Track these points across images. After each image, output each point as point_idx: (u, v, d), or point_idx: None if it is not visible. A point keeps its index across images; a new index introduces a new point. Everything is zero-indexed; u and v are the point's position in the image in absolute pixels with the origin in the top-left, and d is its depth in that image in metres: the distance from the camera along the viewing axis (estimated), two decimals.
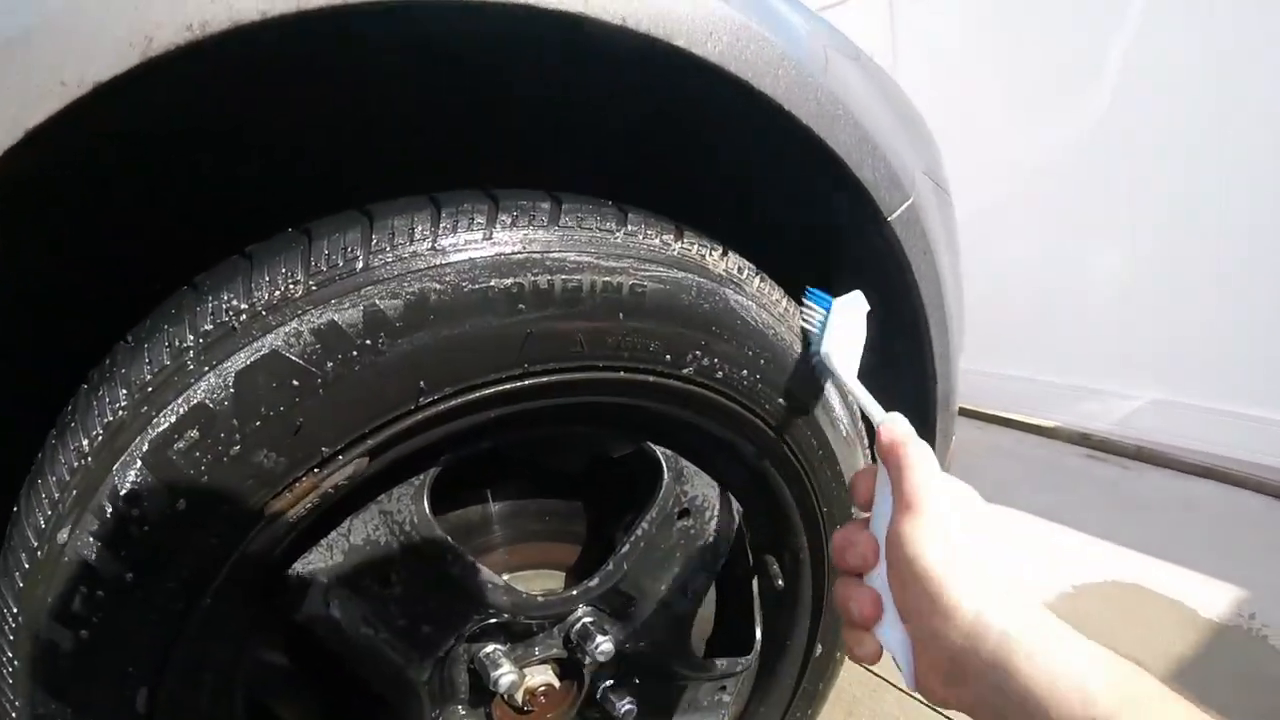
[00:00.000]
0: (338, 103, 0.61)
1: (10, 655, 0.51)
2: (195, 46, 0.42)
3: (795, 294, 0.75)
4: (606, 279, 0.55)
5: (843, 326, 0.69)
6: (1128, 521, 2.05)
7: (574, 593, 0.69)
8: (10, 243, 0.54)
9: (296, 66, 0.53)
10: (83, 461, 0.49)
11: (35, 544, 0.49)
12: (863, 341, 0.70)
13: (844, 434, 0.79)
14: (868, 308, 0.71)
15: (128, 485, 0.48)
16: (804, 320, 0.72)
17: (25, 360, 0.62)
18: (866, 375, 0.88)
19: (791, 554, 0.85)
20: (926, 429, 0.95)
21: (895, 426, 0.55)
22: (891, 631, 0.51)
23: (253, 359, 0.48)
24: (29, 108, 0.40)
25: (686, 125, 0.70)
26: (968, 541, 0.48)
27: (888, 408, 0.87)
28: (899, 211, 0.76)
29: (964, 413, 2.84)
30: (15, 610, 0.50)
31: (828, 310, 0.70)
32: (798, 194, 0.76)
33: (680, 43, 0.54)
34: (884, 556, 0.52)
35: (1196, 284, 2.21)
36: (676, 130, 0.71)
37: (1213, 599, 1.70)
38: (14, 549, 0.51)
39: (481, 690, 0.70)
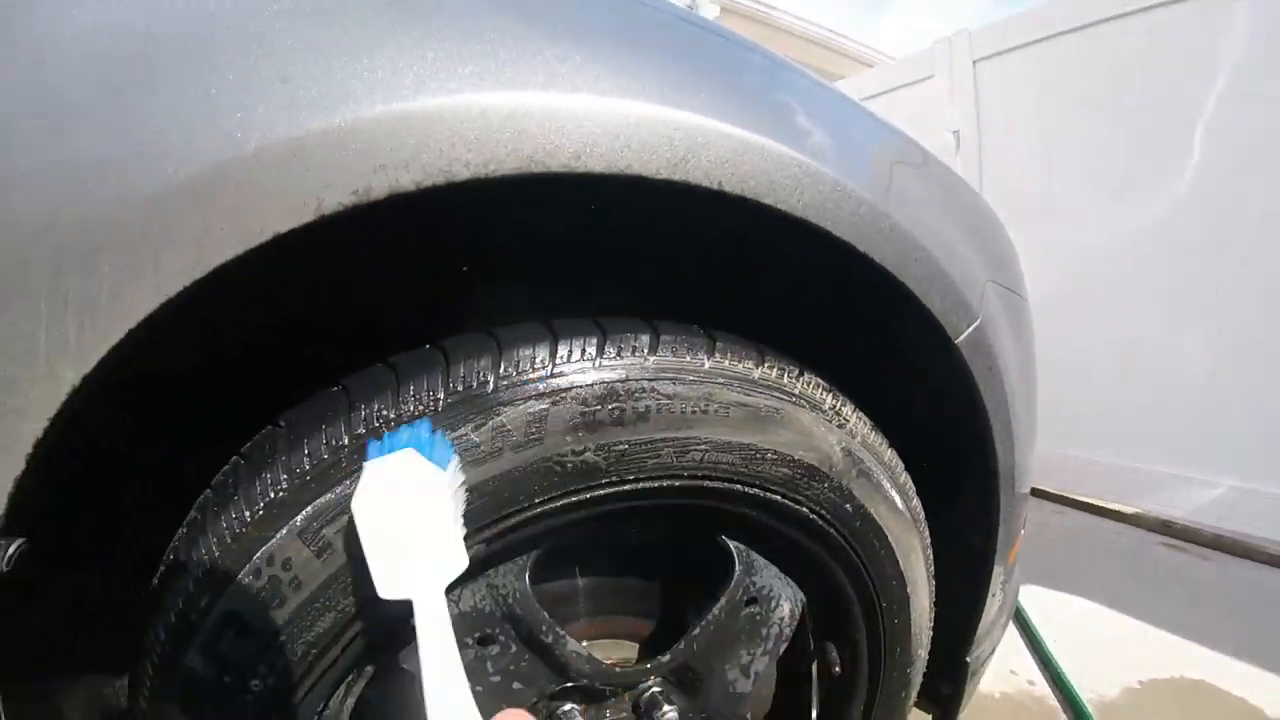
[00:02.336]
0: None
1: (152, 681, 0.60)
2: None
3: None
4: (694, 405, 0.63)
5: (397, 510, 0.54)
6: (1201, 614, 2.01)
7: (647, 665, 0.76)
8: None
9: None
10: (244, 529, 0.58)
11: (198, 587, 0.58)
12: (449, 516, 0.55)
13: (901, 530, 0.85)
14: (423, 466, 0.54)
15: (283, 552, 0.57)
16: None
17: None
18: (929, 473, 0.94)
19: (850, 643, 0.90)
20: (991, 529, 0.99)
21: None
22: None
23: None
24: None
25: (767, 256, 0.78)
26: None
27: (953, 514, 0.93)
28: (966, 334, 0.82)
29: (1043, 495, 2.82)
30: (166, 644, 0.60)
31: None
32: (868, 319, 0.83)
33: (768, 200, 0.63)
34: None
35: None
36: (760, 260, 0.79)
37: None
38: (172, 597, 0.60)
39: None
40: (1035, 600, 2.05)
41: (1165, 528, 2.45)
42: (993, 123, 2.76)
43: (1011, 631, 1.93)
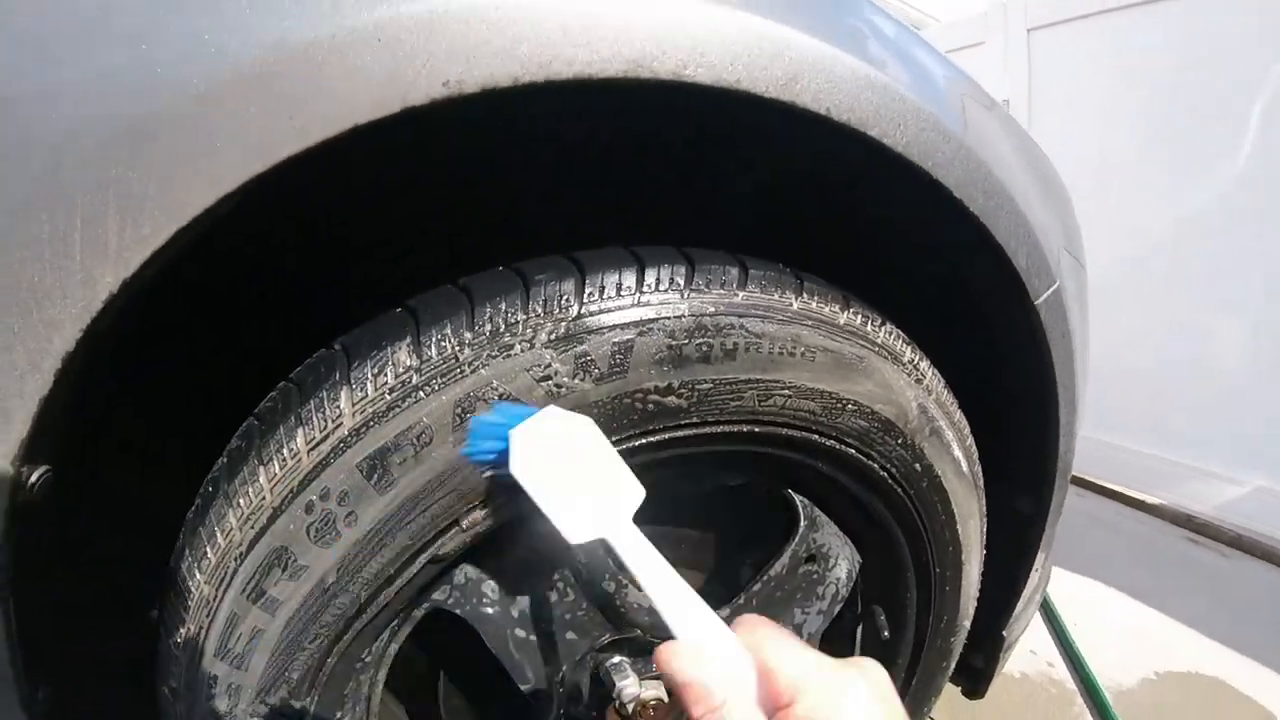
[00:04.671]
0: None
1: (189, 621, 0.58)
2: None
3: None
4: (781, 346, 0.60)
5: (558, 463, 0.51)
6: (1219, 612, 2.00)
7: None
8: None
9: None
10: (296, 459, 0.55)
11: (241, 523, 0.56)
12: (609, 453, 0.53)
13: (964, 495, 0.82)
14: (564, 418, 0.53)
15: (340, 484, 0.54)
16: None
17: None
18: (992, 439, 0.91)
19: (900, 608, 0.88)
20: (1043, 503, 0.96)
21: (675, 663, 0.43)
22: None
23: (473, 388, 0.54)
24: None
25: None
26: None
27: (1010, 482, 0.90)
28: (1045, 296, 0.79)
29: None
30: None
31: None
32: (948, 273, 0.79)
33: (873, 132, 0.59)
34: None
35: None
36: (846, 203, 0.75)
37: None
38: (209, 531, 0.57)
39: (599, 695, 0.76)
40: (1056, 582, 2.03)
41: (1188, 522, 2.42)
42: (1044, 94, 2.68)
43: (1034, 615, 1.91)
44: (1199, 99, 2.28)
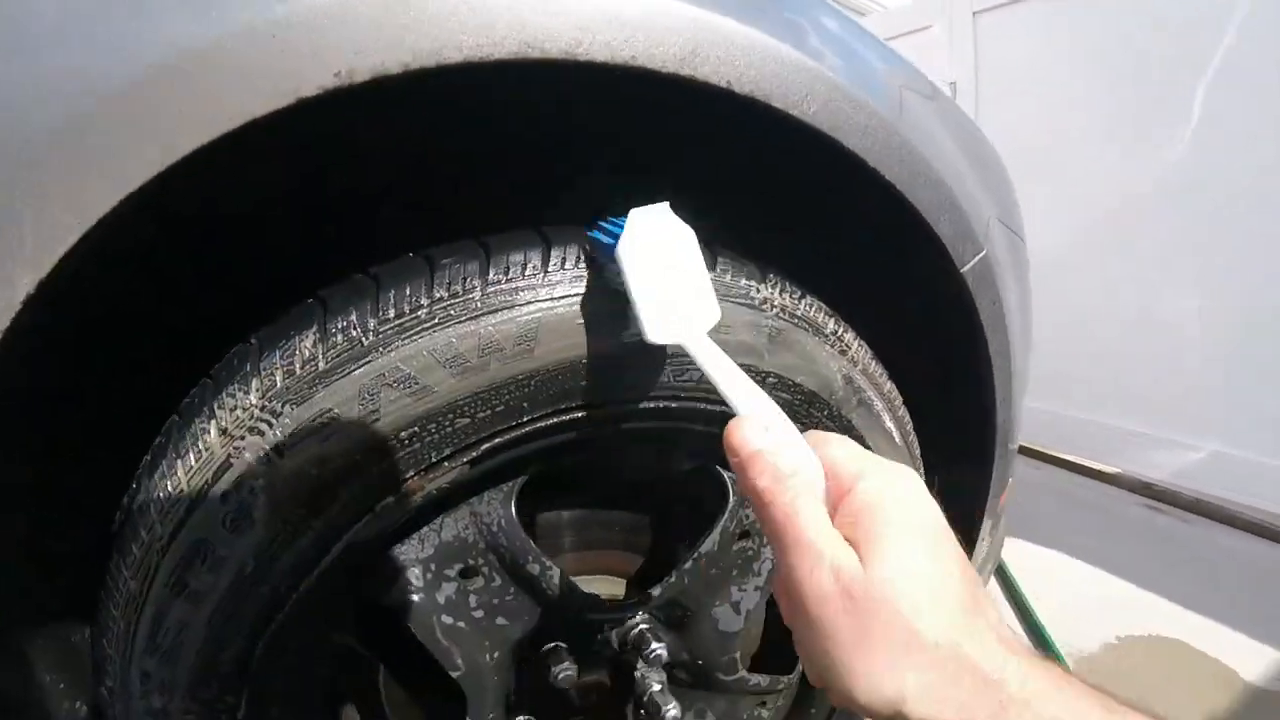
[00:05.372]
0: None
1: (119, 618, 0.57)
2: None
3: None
4: None
5: (658, 260, 0.53)
6: (1179, 577, 2.03)
7: (637, 601, 0.74)
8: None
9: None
10: (210, 451, 0.55)
11: (162, 517, 0.55)
12: (701, 268, 0.56)
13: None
14: (676, 220, 0.55)
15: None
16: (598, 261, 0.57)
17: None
18: (926, 410, 0.92)
19: None
20: (984, 473, 0.97)
21: (740, 434, 0.46)
22: None
23: (378, 372, 0.54)
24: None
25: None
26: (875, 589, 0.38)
27: (946, 453, 0.90)
28: (971, 264, 0.79)
29: (1024, 451, 2.83)
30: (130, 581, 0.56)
31: (617, 240, 0.53)
32: (872, 244, 0.80)
33: (778, 104, 0.59)
34: None
35: (1267, 335, 2.16)
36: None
37: (1256, 662, 1.70)
38: (133, 528, 0.57)
39: (540, 682, 0.76)
40: (1013, 553, 2.06)
41: (1146, 489, 2.46)
42: (992, 76, 2.70)
43: (991, 583, 1.94)
44: (1145, 78, 2.31)
